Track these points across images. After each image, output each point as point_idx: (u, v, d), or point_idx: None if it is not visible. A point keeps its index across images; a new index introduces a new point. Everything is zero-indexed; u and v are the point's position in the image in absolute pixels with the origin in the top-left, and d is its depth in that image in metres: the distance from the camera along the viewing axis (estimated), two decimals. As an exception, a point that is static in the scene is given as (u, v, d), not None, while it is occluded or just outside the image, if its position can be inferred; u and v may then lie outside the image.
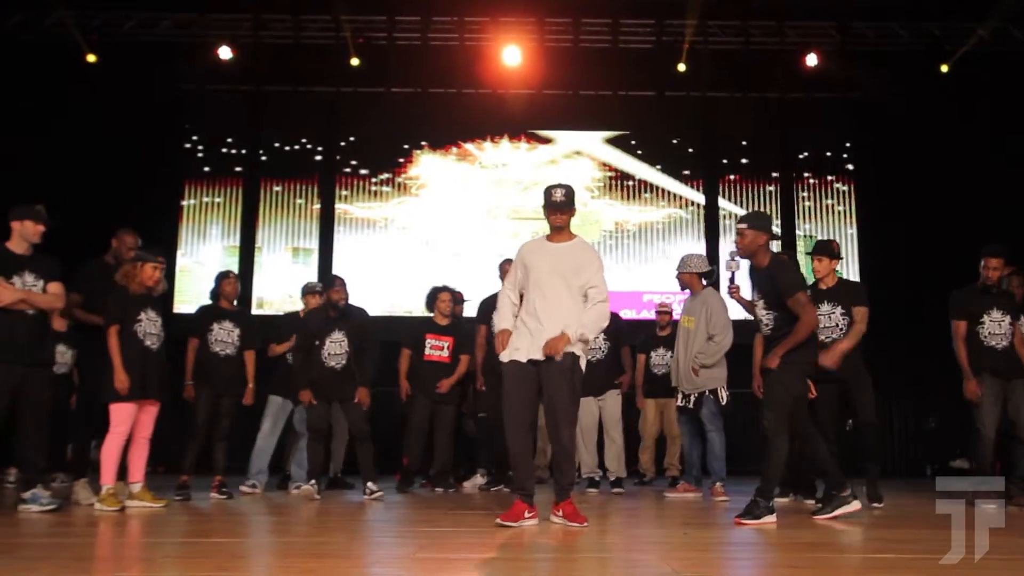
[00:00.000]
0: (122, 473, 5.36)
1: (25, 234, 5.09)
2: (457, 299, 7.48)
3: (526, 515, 4.32)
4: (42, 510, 4.88)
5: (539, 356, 4.36)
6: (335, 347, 6.23)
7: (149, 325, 5.36)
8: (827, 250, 5.82)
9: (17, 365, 4.95)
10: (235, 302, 6.55)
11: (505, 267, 6.83)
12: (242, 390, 6.39)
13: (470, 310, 7.61)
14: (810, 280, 5.72)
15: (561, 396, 4.37)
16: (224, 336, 6.30)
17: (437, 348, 6.99)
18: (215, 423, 6.28)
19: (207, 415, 6.20)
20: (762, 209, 11.03)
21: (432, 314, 7.14)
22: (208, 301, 6.51)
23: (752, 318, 5.25)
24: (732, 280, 5.40)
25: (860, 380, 5.65)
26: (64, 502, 5.05)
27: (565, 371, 4.37)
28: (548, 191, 4.53)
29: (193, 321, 6.43)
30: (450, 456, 7.00)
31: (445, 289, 7.17)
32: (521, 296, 4.59)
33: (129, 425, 5.24)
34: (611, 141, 11.23)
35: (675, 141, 11.24)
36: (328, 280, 6.48)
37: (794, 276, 4.71)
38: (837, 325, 5.64)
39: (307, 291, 7.12)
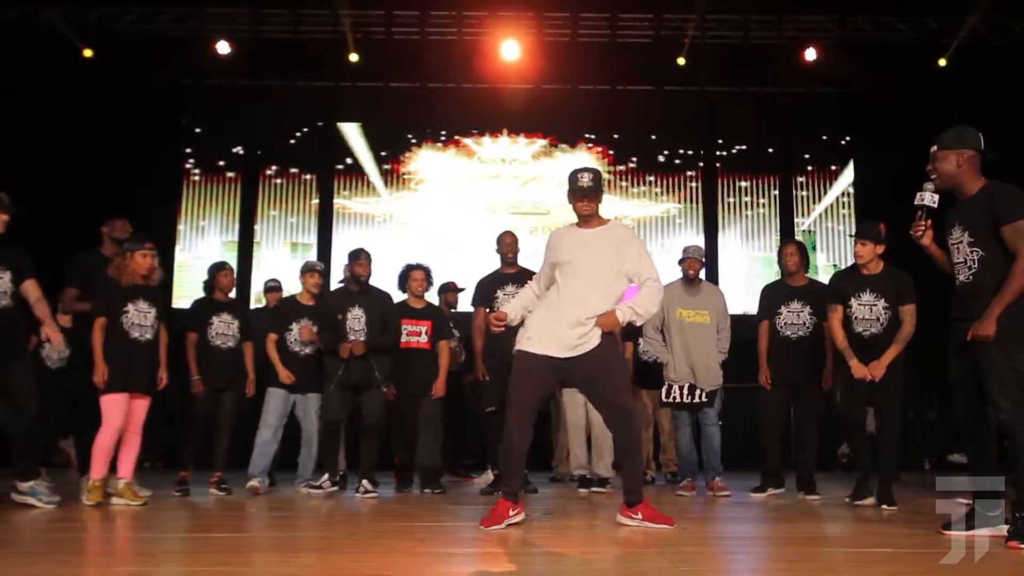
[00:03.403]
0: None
1: None
2: (451, 287, 7.30)
3: (511, 513, 4.05)
4: (41, 505, 4.86)
5: (562, 353, 4.06)
6: (355, 323, 5.95)
7: (138, 316, 5.26)
8: (871, 233, 5.25)
9: None
10: (230, 294, 6.42)
11: (505, 239, 6.37)
12: (244, 383, 6.25)
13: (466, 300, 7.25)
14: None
15: (619, 389, 4.13)
16: (224, 329, 6.18)
17: (415, 334, 6.34)
18: (215, 418, 6.17)
19: (206, 410, 6.11)
20: (761, 207, 11.04)
21: (405, 296, 6.48)
22: (202, 294, 6.38)
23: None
24: (922, 217, 4.03)
25: (892, 375, 5.16)
26: (62, 499, 5.02)
27: (610, 358, 4.10)
28: (574, 175, 4.18)
29: (189, 315, 6.32)
30: (438, 453, 6.44)
31: (418, 267, 6.49)
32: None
33: (121, 419, 5.17)
34: (609, 136, 11.22)
35: (673, 136, 11.24)
36: (354, 252, 6.10)
37: (1021, 199, 3.66)
38: (878, 319, 5.18)
39: (307, 269, 6.58)
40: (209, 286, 6.33)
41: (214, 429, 6.22)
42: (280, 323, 6.41)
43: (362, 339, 5.92)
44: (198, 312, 6.28)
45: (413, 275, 6.42)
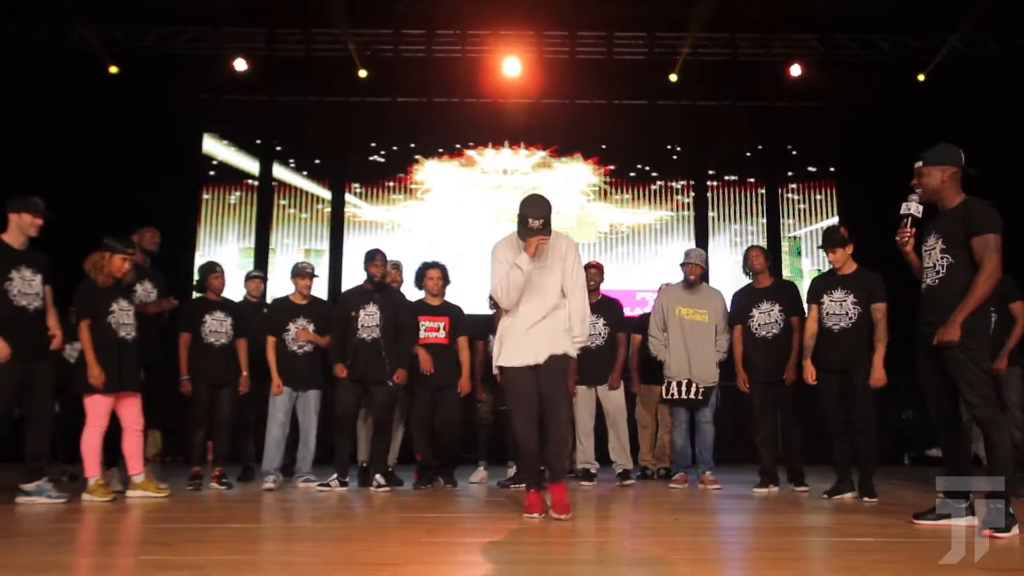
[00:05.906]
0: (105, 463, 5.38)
1: (23, 227, 5.09)
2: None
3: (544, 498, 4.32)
4: (51, 502, 4.89)
5: (539, 360, 4.29)
6: (368, 319, 6.04)
7: (122, 315, 5.27)
8: (836, 240, 5.51)
9: (21, 361, 5.00)
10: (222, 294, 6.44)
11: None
12: (238, 379, 6.30)
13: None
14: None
15: (561, 391, 4.37)
16: (217, 326, 6.23)
17: (432, 330, 6.37)
18: (215, 415, 6.22)
19: (205, 407, 6.17)
20: (749, 216, 11.48)
21: (422, 294, 6.53)
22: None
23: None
24: (907, 225, 4.25)
25: (862, 370, 5.36)
26: (71, 495, 5.04)
27: (564, 369, 4.38)
28: (524, 217, 4.17)
29: (183, 315, 6.30)
30: (457, 449, 6.48)
31: (434, 265, 6.46)
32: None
33: (106, 418, 5.19)
34: (605, 147, 11.65)
35: (666, 148, 11.66)
36: (370, 253, 6.16)
37: (993, 215, 3.84)
38: (847, 314, 5.41)
39: (298, 272, 6.57)
40: (201, 287, 6.40)
41: (214, 426, 6.28)
42: (277, 325, 6.42)
43: (375, 335, 6.04)
44: (191, 312, 6.31)
45: (429, 274, 6.42)
